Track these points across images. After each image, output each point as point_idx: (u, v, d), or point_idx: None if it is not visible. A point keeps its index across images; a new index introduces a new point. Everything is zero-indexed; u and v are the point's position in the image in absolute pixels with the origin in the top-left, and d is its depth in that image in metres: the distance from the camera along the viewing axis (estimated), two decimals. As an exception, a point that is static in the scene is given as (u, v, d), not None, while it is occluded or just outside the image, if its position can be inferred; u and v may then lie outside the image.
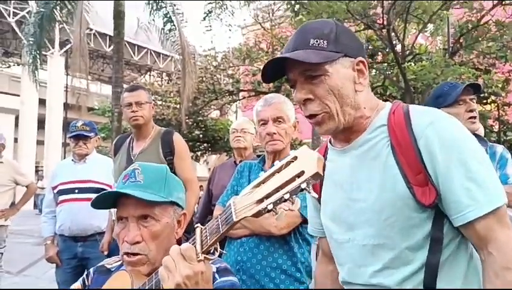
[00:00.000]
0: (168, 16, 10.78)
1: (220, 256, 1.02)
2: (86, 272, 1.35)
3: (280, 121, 1.92)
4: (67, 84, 18.62)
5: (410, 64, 10.22)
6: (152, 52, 28.98)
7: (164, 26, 10.99)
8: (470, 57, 11.74)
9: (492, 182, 1.01)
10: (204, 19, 12.66)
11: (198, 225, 1.00)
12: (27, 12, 20.79)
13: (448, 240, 1.06)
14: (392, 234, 1.07)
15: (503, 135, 12.89)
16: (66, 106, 20.73)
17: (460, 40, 10.87)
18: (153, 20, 11.22)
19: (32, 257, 7.24)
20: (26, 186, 4.67)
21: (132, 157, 2.71)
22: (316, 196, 0.91)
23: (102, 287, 1.23)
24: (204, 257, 0.95)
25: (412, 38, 11.09)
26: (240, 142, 3.11)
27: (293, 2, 9.75)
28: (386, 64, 11.50)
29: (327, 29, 1.11)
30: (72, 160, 3.46)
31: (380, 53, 12.22)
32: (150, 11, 10.76)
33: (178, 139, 2.76)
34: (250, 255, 1.86)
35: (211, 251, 0.96)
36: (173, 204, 1.21)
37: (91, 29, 21.66)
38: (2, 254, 4.46)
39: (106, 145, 13.15)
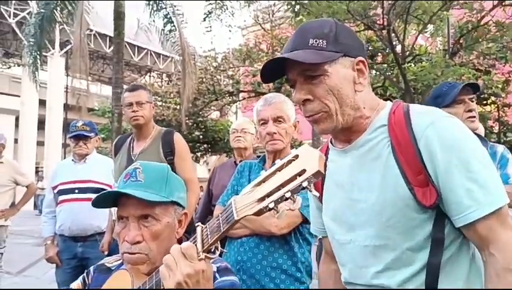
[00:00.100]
0: (168, 16, 10.78)
1: (220, 255, 1.01)
2: (86, 271, 1.35)
3: (280, 121, 1.91)
4: (67, 85, 18.61)
5: (410, 65, 10.21)
6: (152, 53, 29.00)
7: (164, 27, 10.99)
8: (470, 58, 11.73)
9: (494, 182, 1.01)
10: (204, 19, 12.67)
11: (199, 223, 1.00)
12: (27, 13, 20.82)
13: (450, 240, 1.05)
14: (393, 235, 1.07)
15: (503, 136, 12.87)
16: (66, 107, 20.72)
17: (461, 41, 10.85)
18: (153, 21, 11.22)
19: (32, 257, 7.24)
20: (26, 187, 4.67)
21: (132, 157, 2.71)
22: (317, 194, 0.91)
23: (103, 286, 1.23)
24: (205, 256, 0.95)
25: (412, 39, 11.09)
26: (240, 142, 3.11)
27: (293, 2, 9.74)
28: (386, 65, 11.49)
29: (327, 28, 1.10)
30: (72, 160, 3.46)
31: (380, 54, 12.21)
32: (150, 12, 10.75)
33: (179, 139, 2.76)
34: (250, 255, 1.86)
35: (212, 250, 0.96)
36: (174, 204, 1.21)
37: (91, 30, 21.69)
38: (2, 254, 4.46)
39: (106, 146, 13.14)
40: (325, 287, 1.40)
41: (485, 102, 12.30)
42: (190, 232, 2.26)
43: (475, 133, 1.85)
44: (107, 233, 3.13)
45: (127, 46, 22.86)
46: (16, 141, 21.87)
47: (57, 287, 3.40)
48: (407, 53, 10.22)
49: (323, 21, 1.15)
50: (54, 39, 20.83)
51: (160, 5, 10.75)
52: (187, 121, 14.77)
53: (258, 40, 15.93)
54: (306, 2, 9.31)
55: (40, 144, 23.35)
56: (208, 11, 12.50)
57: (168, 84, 19.79)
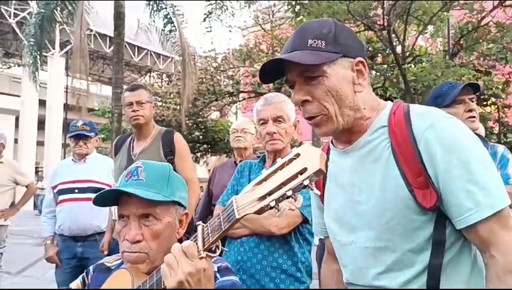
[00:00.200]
0: (169, 17, 10.78)
1: (220, 254, 1.01)
2: (85, 271, 1.34)
3: (280, 121, 1.91)
4: (67, 85, 18.62)
5: (410, 66, 10.21)
6: (152, 53, 29.01)
7: (164, 27, 11.00)
8: (470, 59, 11.73)
9: (495, 183, 1.00)
10: (204, 20, 12.65)
11: (200, 222, 0.99)
12: (28, 13, 20.82)
13: (451, 242, 1.05)
14: (394, 236, 1.06)
15: (503, 137, 12.85)
16: (66, 107, 20.72)
17: (461, 42, 10.85)
18: (153, 21, 11.22)
19: (32, 257, 7.23)
20: (26, 186, 4.67)
21: (133, 157, 2.71)
22: (319, 192, 0.90)
23: (102, 286, 1.23)
24: (206, 254, 0.95)
25: (412, 40, 11.09)
26: (240, 142, 3.11)
27: (293, 2, 9.74)
28: (386, 65, 11.49)
29: (326, 29, 1.10)
30: (72, 160, 3.46)
31: (380, 54, 12.22)
32: (150, 12, 10.76)
33: (179, 139, 2.76)
34: (250, 255, 1.85)
35: (213, 249, 0.96)
36: (175, 203, 1.20)
37: (91, 30, 21.69)
38: (1, 254, 4.46)
39: (106, 146, 13.14)
40: (326, 287, 1.40)
41: (485, 103, 12.30)
42: (190, 232, 2.26)
43: (475, 134, 1.85)
44: (107, 233, 3.12)
45: (127, 46, 22.86)
46: (15, 141, 21.86)
47: (56, 287, 3.40)
48: (407, 54, 10.22)
49: (322, 21, 1.15)
50: (54, 39, 20.83)
51: (160, 5, 10.75)
52: (187, 121, 14.77)
53: (258, 41, 15.94)
54: (306, 2, 9.31)
55: (40, 144, 23.34)
56: (208, 11, 12.49)
57: (168, 84, 19.80)
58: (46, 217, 3.44)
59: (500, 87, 11.99)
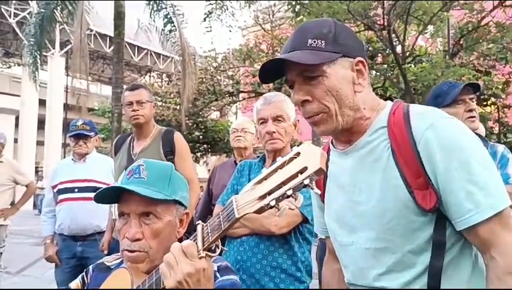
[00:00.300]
0: (169, 16, 10.78)
1: (220, 253, 1.01)
2: (85, 270, 1.34)
3: (280, 120, 1.91)
4: (67, 85, 18.62)
5: (410, 66, 10.21)
6: (152, 53, 29.00)
7: (164, 27, 10.99)
8: (470, 59, 11.73)
9: (495, 184, 0.99)
10: (204, 19, 12.65)
11: (200, 221, 0.99)
12: (28, 13, 20.81)
13: (451, 243, 1.04)
14: (394, 237, 1.06)
15: (503, 137, 12.85)
16: (66, 107, 20.73)
17: (461, 42, 10.85)
18: (154, 21, 11.22)
19: (32, 257, 7.23)
20: (26, 186, 4.66)
21: (133, 157, 2.71)
22: (319, 192, 0.90)
23: (102, 285, 1.23)
24: (206, 254, 0.94)
25: (412, 40, 11.09)
26: (240, 142, 3.11)
27: (293, 2, 9.74)
28: (386, 65, 11.49)
29: (326, 28, 1.09)
30: (72, 159, 3.46)
31: (380, 54, 12.22)
32: (151, 12, 10.75)
33: (179, 139, 2.76)
34: (250, 254, 1.85)
35: (212, 248, 0.96)
36: (176, 203, 1.20)
37: (91, 30, 21.68)
38: (1, 253, 4.46)
39: (106, 146, 13.14)
40: (328, 286, 1.39)
41: (485, 103, 12.30)
42: (190, 232, 2.26)
43: (475, 133, 1.85)
44: (107, 232, 3.12)
45: (127, 46, 22.86)
46: (15, 140, 21.85)
47: (56, 287, 3.40)
48: (408, 54, 10.22)
49: (322, 21, 1.14)
50: (54, 39, 20.82)
51: (160, 5, 10.75)
52: (187, 121, 14.77)
53: (258, 41, 15.94)
54: (306, 2, 9.31)
55: (40, 143, 23.33)
56: (208, 11, 12.49)
57: (168, 84, 19.80)
58: (45, 216, 3.44)
59: (500, 87, 11.99)
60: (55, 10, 9.60)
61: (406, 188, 1.03)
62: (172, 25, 10.83)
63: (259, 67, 1.16)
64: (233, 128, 3.24)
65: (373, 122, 1.12)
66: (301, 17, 9.07)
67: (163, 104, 16.27)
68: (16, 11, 22.98)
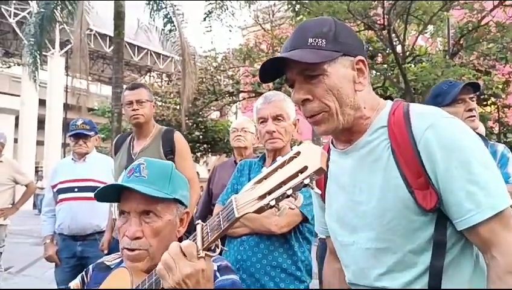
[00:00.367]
0: (169, 16, 10.78)
1: (220, 253, 1.00)
2: (85, 270, 1.34)
3: (280, 119, 1.91)
4: (67, 85, 18.63)
5: (411, 66, 10.21)
6: (152, 53, 28.98)
7: (164, 26, 10.99)
8: (470, 59, 11.73)
9: (496, 184, 0.99)
10: (204, 19, 12.64)
11: (199, 221, 0.99)
12: (28, 13, 20.81)
13: (452, 243, 1.04)
14: (394, 237, 1.06)
15: (503, 137, 12.83)
16: (66, 107, 20.73)
17: (461, 42, 10.85)
18: (153, 20, 11.22)
19: (31, 257, 7.23)
20: (26, 186, 4.66)
21: (133, 156, 2.71)
22: (319, 191, 0.90)
23: (101, 284, 1.22)
24: (206, 254, 0.94)
25: (412, 40, 11.09)
26: (240, 142, 3.10)
27: (293, 2, 9.74)
28: (386, 65, 11.48)
29: (326, 27, 1.09)
30: (72, 159, 3.46)
31: (380, 54, 12.21)
32: (150, 12, 10.75)
33: (179, 138, 2.76)
34: (250, 254, 1.85)
35: (212, 248, 0.95)
36: (176, 202, 1.20)
37: (91, 30, 21.68)
38: (1, 253, 4.46)
39: (106, 146, 13.14)
40: (329, 286, 1.39)
41: (485, 103, 12.28)
42: (190, 231, 2.25)
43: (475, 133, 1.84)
44: (107, 232, 3.12)
45: (127, 46, 22.85)
46: (15, 140, 21.83)
47: (56, 287, 3.39)
48: (408, 53, 10.22)
49: (322, 20, 1.14)
50: (54, 39, 20.82)
51: (160, 4, 10.75)
52: (187, 121, 14.77)
53: (258, 40, 15.91)
54: (306, 1, 9.31)
55: (40, 143, 23.32)
56: (208, 11, 12.48)
57: (168, 84, 19.79)
58: (45, 216, 3.44)
59: (500, 87, 11.97)
60: (55, 10, 9.60)
61: (406, 188, 1.03)
62: (172, 24, 10.83)
63: (259, 67, 1.15)
64: (233, 127, 3.23)
65: (373, 121, 1.12)
66: (301, 16, 9.07)
67: (163, 104, 16.26)
68: (16, 11, 22.98)
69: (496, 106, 12.61)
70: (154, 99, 2.95)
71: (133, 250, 1.12)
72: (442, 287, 1.03)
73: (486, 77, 11.39)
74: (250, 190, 0.90)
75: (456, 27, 11.04)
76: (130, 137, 2.90)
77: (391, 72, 11.13)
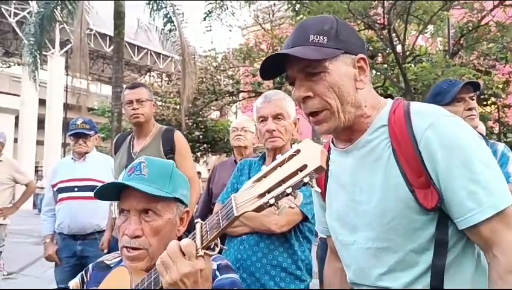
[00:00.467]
0: (168, 16, 10.78)
1: (220, 252, 1.00)
2: (84, 269, 1.34)
3: (280, 118, 1.90)
4: (67, 85, 18.62)
5: (411, 66, 10.21)
6: (152, 53, 28.98)
7: (164, 26, 11.00)
8: (470, 58, 11.73)
9: (497, 183, 0.98)
10: (204, 19, 12.65)
11: (198, 219, 0.98)
12: (28, 13, 20.81)
13: (453, 242, 1.03)
14: (395, 237, 1.05)
15: (504, 137, 12.83)
16: (66, 106, 20.72)
17: (461, 41, 10.85)
18: (153, 20, 11.22)
19: (31, 256, 7.23)
20: (26, 185, 4.66)
21: (133, 155, 2.71)
22: (319, 190, 0.89)
23: (101, 283, 1.22)
24: (205, 253, 0.93)
25: (412, 40, 11.09)
26: (240, 141, 3.10)
27: (293, 1, 9.74)
28: (386, 65, 11.48)
29: (327, 25, 1.08)
30: (72, 158, 3.45)
31: (380, 54, 12.21)
32: (150, 12, 10.75)
33: (179, 137, 2.76)
34: (250, 253, 1.85)
35: (211, 247, 0.94)
36: (177, 201, 1.20)
37: (91, 30, 21.68)
38: (1, 253, 4.45)
39: (106, 146, 13.14)
40: (329, 285, 1.39)
41: (485, 103, 12.27)
42: (190, 230, 2.25)
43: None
44: (107, 231, 3.12)
45: (127, 45, 22.84)
46: (15, 140, 21.84)
47: (56, 287, 3.39)
48: (408, 53, 10.22)
49: (323, 18, 1.14)
50: (54, 38, 20.83)
51: (160, 4, 10.75)
52: (187, 121, 14.76)
53: (258, 40, 15.91)
54: (307, 1, 9.30)
55: (40, 143, 23.32)
56: (208, 11, 12.49)
57: (168, 84, 19.78)
58: (45, 215, 3.44)
59: (500, 86, 11.96)
60: (55, 10, 9.60)
61: (407, 187, 1.02)
62: (172, 24, 10.83)
63: (259, 66, 1.14)
64: (234, 127, 3.23)
65: (373, 120, 1.11)
66: (301, 16, 9.07)
67: (163, 103, 16.26)
68: (16, 11, 22.98)
69: (496, 106, 12.61)
70: (154, 99, 2.95)
71: (132, 249, 1.12)
72: (444, 287, 1.02)
73: (487, 76, 11.39)
74: (249, 189, 0.89)
75: (456, 27, 11.04)
76: (130, 136, 2.90)
77: (391, 71, 11.12)
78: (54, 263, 3.34)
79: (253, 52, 14.67)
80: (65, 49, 21.99)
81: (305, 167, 0.84)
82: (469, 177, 0.97)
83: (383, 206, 1.06)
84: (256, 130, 2.16)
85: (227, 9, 12.72)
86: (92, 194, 1.20)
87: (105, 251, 3.01)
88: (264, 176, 0.88)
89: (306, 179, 0.83)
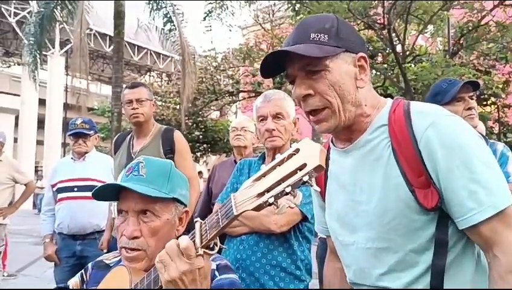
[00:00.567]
0: (168, 16, 10.78)
1: (219, 251, 1.00)
2: (84, 268, 1.33)
3: (279, 118, 1.90)
4: (67, 84, 18.63)
5: (411, 65, 10.21)
6: (152, 53, 28.98)
7: (164, 26, 11.00)
8: (470, 58, 11.73)
9: (497, 182, 0.98)
10: (204, 19, 12.65)
11: (198, 219, 0.98)
12: (28, 13, 20.82)
13: (453, 242, 1.03)
14: (395, 237, 1.05)
15: (503, 137, 12.82)
16: (66, 106, 20.72)
17: (461, 41, 10.85)
18: (153, 20, 11.23)
19: (31, 256, 7.23)
20: (25, 185, 4.66)
21: (132, 155, 2.71)
22: (318, 189, 0.89)
23: (101, 283, 1.22)
24: (204, 252, 0.93)
25: (412, 39, 11.09)
26: (240, 141, 3.10)
27: (293, 1, 9.74)
28: (386, 65, 11.48)
29: (328, 23, 1.08)
30: (72, 158, 3.45)
31: (380, 54, 12.21)
32: (150, 11, 10.75)
33: (179, 137, 2.75)
34: (249, 253, 1.84)
35: (211, 246, 0.94)
36: (175, 201, 1.19)
37: (91, 30, 21.67)
38: (1, 252, 4.45)
39: (106, 146, 13.14)
40: (329, 285, 1.38)
41: (485, 103, 12.27)
42: (190, 230, 2.25)
43: (476, 131, 1.83)
44: (106, 231, 3.11)
45: (127, 45, 22.84)
46: (15, 140, 21.83)
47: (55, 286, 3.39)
48: (408, 53, 10.21)
49: (324, 16, 1.14)
50: (54, 38, 20.83)
51: (160, 4, 10.75)
52: (187, 120, 14.76)
53: (258, 40, 15.91)
54: (307, 1, 9.31)
55: (40, 143, 23.31)
56: (208, 11, 12.49)
57: (167, 83, 19.79)
58: (45, 215, 3.44)
59: (500, 86, 11.96)
60: (55, 9, 9.60)
61: (407, 186, 1.02)
62: (172, 24, 10.83)
63: (259, 66, 1.14)
64: (233, 127, 3.22)
65: (373, 120, 1.11)
66: (301, 16, 9.07)
67: (163, 103, 16.26)
68: (16, 11, 22.98)
69: (496, 106, 12.60)
70: (154, 99, 2.95)
71: (131, 250, 1.12)
72: (444, 287, 1.02)
73: (486, 76, 11.38)
74: (248, 188, 0.89)
75: (456, 27, 11.04)
76: (129, 136, 2.90)
77: (391, 71, 11.12)
78: (53, 263, 3.34)
79: (253, 52, 14.67)
80: (65, 49, 21.99)
81: (304, 165, 0.83)
82: (469, 177, 0.97)
83: (383, 206, 1.05)
84: (256, 130, 2.16)
85: (227, 9, 12.72)
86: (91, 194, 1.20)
87: (105, 251, 3.01)
88: (264, 175, 0.88)
89: (305, 178, 0.83)
